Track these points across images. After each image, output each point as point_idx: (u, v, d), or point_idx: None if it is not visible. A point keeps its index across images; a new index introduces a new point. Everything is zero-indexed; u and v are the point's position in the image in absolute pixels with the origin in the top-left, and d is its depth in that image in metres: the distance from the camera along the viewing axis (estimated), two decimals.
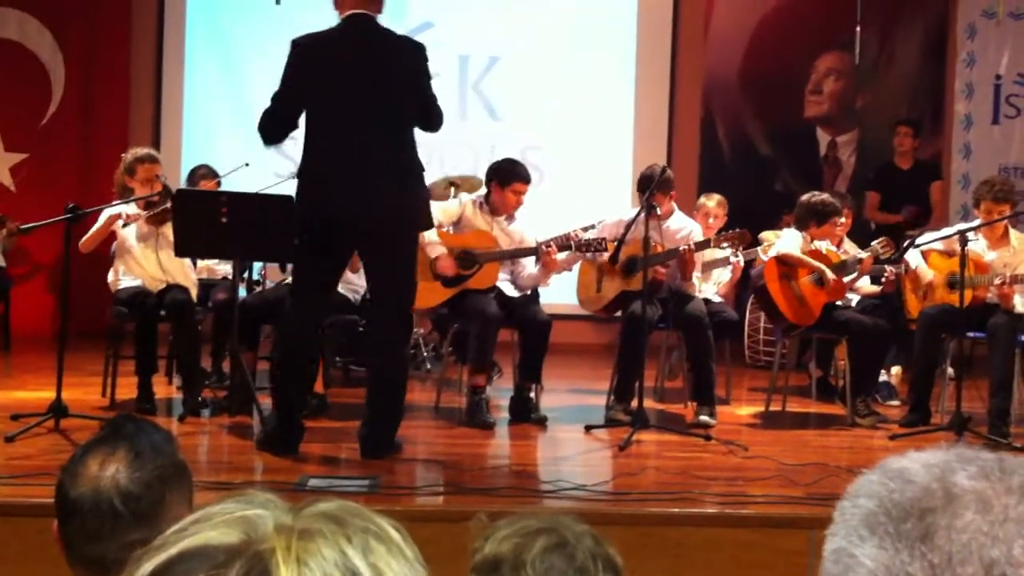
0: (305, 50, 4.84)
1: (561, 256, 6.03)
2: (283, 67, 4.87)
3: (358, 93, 4.77)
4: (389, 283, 4.90)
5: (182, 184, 7.42)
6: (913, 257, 6.26)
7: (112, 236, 6.05)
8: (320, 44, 4.86)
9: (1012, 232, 6.20)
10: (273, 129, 4.93)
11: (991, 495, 0.88)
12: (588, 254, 6.08)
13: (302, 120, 4.91)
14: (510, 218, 6.19)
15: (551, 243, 6.00)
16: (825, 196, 6.42)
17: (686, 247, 5.91)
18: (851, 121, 9.67)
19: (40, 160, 8.90)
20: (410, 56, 4.89)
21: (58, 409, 5.09)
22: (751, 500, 4.32)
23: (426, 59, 4.92)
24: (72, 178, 8.77)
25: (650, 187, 5.74)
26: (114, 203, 6.00)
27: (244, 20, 9.00)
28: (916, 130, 8.40)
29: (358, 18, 4.84)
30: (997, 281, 5.85)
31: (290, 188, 6.79)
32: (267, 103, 4.92)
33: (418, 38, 9.15)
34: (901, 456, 0.95)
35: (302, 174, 4.87)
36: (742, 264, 6.63)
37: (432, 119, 4.96)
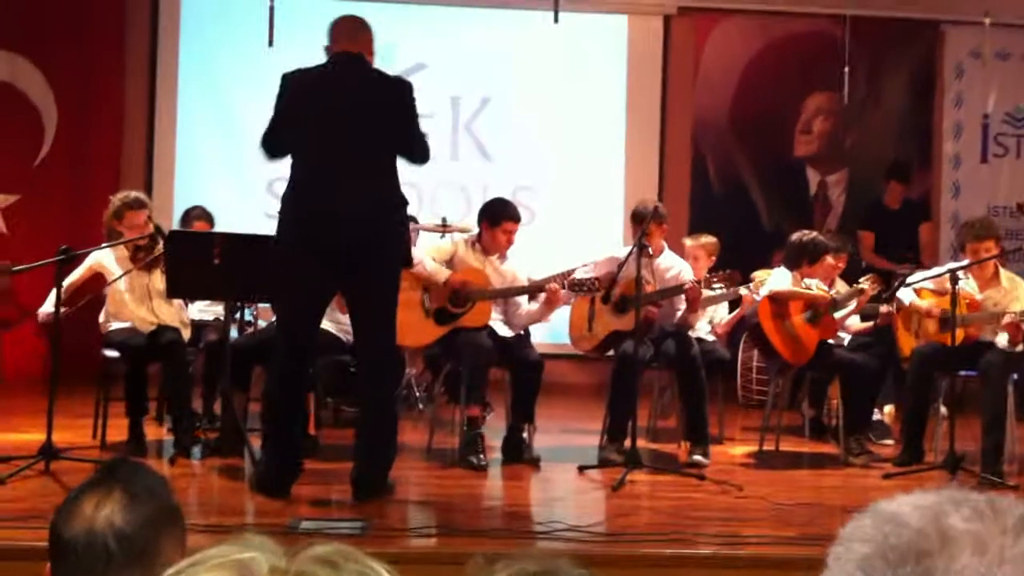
0: (293, 84, 4.91)
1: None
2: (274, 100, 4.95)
3: (343, 127, 4.80)
4: (374, 319, 4.89)
5: (175, 225, 7.42)
6: (905, 295, 6.28)
7: (99, 281, 6.02)
8: (308, 79, 4.93)
9: (1002, 272, 6.22)
10: (272, 148, 4.99)
11: (986, 536, 0.88)
12: (581, 294, 6.08)
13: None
14: (502, 257, 6.21)
15: (557, 279, 6.02)
16: (815, 235, 6.45)
17: (692, 283, 5.93)
18: (840, 160, 9.73)
19: (32, 202, 8.89)
20: (396, 93, 4.94)
21: (48, 451, 5.06)
22: (745, 541, 4.30)
23: (413, 96, 4.95)
24: (64, 220, 8.76)
25: (643, 223, 5.78)
26: (102, 245, 5.99)
27: (237, 62, 9.05)
28: (906, 182, 8.47)
29: (346, 56, 4.91)
30: (1006, 319, 5.85)
31: None
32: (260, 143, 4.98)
33: (410, 79, 9.35)
34: (891, 499, 0.95)
35: (286, 206, 4.87)
36: (751, 296, 6.61)
37: (417, 154, 5.00)
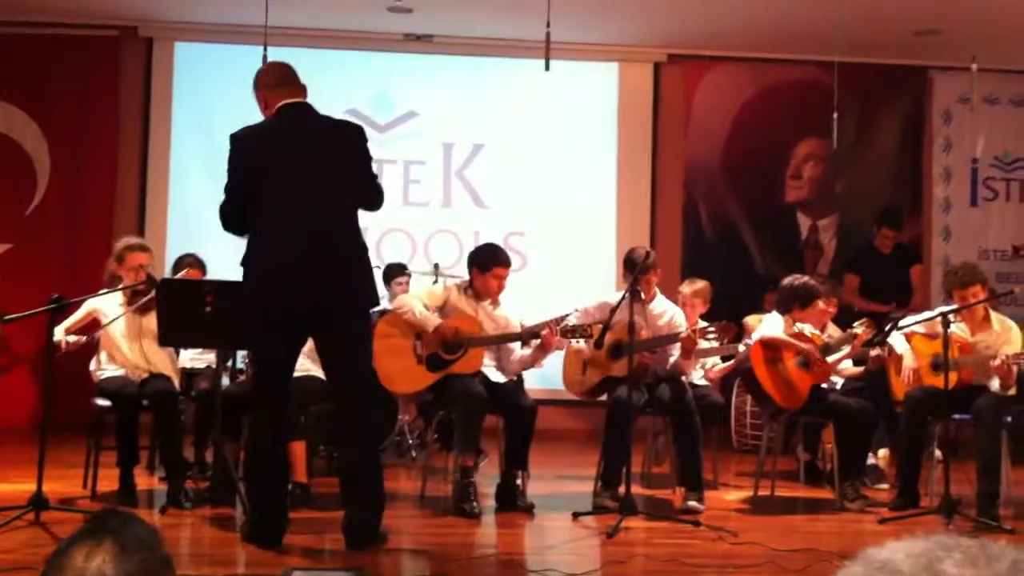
0: (244, 142, 4.87)
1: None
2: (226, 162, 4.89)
3: (299, 178, 4.79)
4: (349, 365, 4.87)
5: (167, 274, 7.42)
6: (897, 340, 6.29)
7: (95, 325, 6.03)
8: (259, 135, 4.89)
9: (993, 315, 6.23)
10: (233, 223, 4.93)
11: None
12: (573, 340, 6.07)
13: None
14: (495, 303, 6.20)
15: (550, 325, 6.01)
16: (807, 279, 6.46)
17: (688, 333, 5.90)
18: (831, 205, 9.79)
19: (24, 250, 8.91)
20: (348, 137, 4.92)
21: (38, 502, 5.02)
22: None
23: (365, 139, 4.94)
24: (56, 268, 8.77)
25: (635, 271, 5.79)
26: (98, 292, 6.00)
27: (229, 111, 9.07)
28: (897, 229, 8.51)
29: (292, 107, 4.89)
30: (996, 362, 5.85)
31: None
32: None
33: (403, 127, 9.42)
34: (881, 547, 0.94)
35: (250, 264, 4.83)
36: (740, 350, 6.62)
37: (374, 198, 4.98)
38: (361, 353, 4.93)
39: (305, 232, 4.76)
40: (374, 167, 5.09)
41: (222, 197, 4.92)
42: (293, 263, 4.73)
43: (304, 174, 4.80)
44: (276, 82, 4.93)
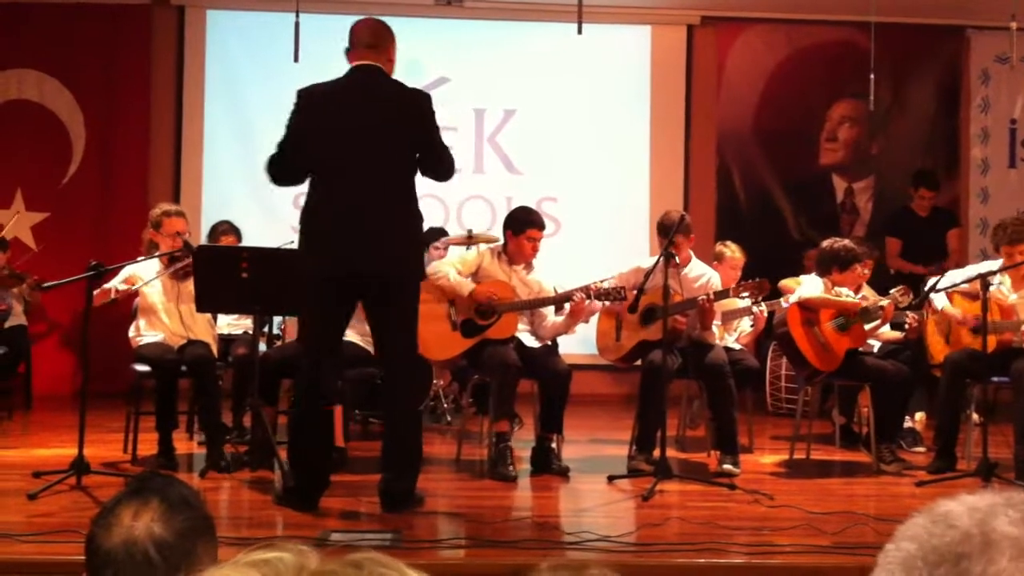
0: (310, 99, 4.87)
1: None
2: (288, 115, 4.90)
3: (361, 142, 4.78)
4: (396, 333, 4.90)
5: (203, 240, 7.48)
6: (939, 300, 6.23)
7: (134, 293, 6.08)
8: (325, 93, 4.89)
9: None
10: (279, 173, 4.95)
11: None
12: (607, 303, 6.06)
13: None
14: (528, 267, 6.20)
15: (580, 292, 6.01)
16: (847, 242, 6.40)
17: (704, 297, 5.89)
18: (867, 168, 9.69)
19: (61, 219, 8.98)
20: (415, 106, 4.90)
21: (80, 466, 5.09)
22: (778, 550, 4.27)
23: (432, 108, 4.92)
24: (92, 237, 8.83)
25: (669, 234, 5.77)
26: (137, 259, 6.05)
27: (262, 78, 9.09)
28: (935, 189, 8.38)
29: (364, 68, 4.89)
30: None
31: None
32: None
33: (435, 93, 9.33)
34: (952, 498, 0.94)
35: (306, 223, 4.87)
36: (765, 314, 6.61)
37: (441, 168, 4.95)
38: (407, 322, 4.93)
39: (360, 200, 4.75)
40: None
41: (257, 161, 4.95)
42: (347, 231, 4.74)
43: (363, 139, 4.78)
44: (357, 40, 4.93)
